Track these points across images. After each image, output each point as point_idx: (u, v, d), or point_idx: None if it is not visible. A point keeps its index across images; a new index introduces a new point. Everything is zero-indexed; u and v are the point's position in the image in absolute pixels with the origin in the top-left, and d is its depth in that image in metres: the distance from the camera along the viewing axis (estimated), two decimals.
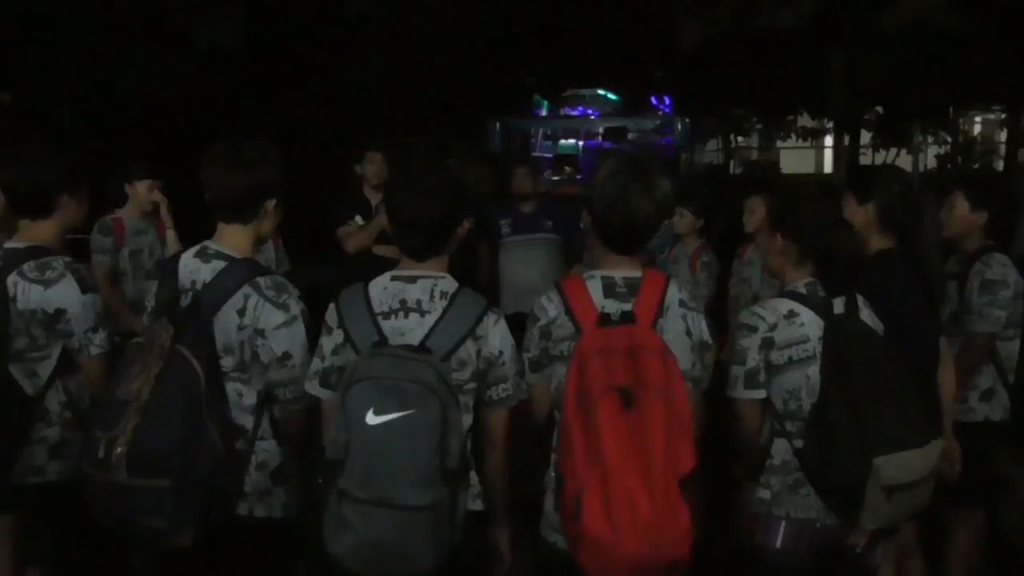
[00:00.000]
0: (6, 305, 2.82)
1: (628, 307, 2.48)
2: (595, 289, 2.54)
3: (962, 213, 3.73)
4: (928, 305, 3.27)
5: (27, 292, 2.83)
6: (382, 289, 2.49)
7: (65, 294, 2.85)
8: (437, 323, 2.43)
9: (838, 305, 2.71)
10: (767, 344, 2.68)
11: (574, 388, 2.32)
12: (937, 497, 2.72)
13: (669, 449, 2.23)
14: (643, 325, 2.44)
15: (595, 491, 2.20)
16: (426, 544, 2.22)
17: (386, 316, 2.45)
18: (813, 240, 2.75)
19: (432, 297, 2.47)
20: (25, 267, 2.85)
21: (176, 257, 2.69)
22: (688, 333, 2.54)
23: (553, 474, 2.49)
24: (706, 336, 2.58)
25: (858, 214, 3.27)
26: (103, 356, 2.92)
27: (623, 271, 2.57)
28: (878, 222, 3.29)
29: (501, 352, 2.50)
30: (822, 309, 2.69)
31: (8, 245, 2.96)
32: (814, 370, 2.65)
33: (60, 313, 2.85)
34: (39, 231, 2.97)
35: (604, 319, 2.43)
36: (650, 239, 2.62)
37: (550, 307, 2.56)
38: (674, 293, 2.54)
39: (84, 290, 2.88)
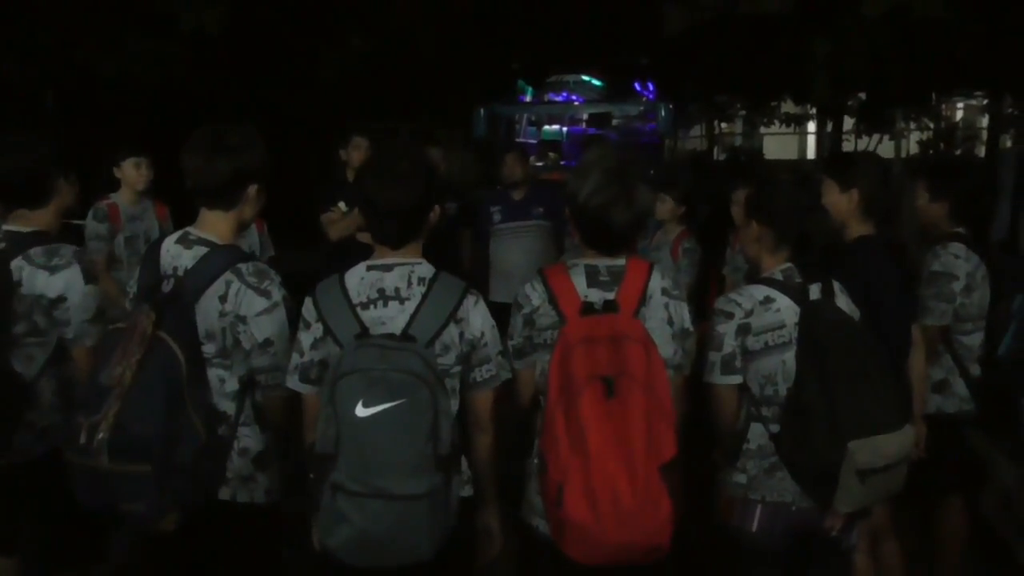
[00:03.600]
0: (10, 288, 2.80)
1: (611, 296, 2.50)
2: (578, 277, 2.56)
3: (922, 203, 3.68)
4: (905, 291, 3.29)
5: (32, 277, 2.82)
6: (359, 279, 2.47)
7: (70, 282, 2.84)
8: (418, 309, 2.42)
9: (814, 291, 2.73)
10: (743, 330, 2.70)
11: (557, 376, 2.34)
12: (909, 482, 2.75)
13: (650, 437, 2.26)
14: (626, 313, 2.46)
15: (577, 478, 2.23)
16: (424, 532, 2.22)
17: (365, 306, 2.43)
18: (788, 225, 2.77)
19: (410, 284, 2.45)
20: (32, 252, 2.84)
21: (158, 243, 2.68)
22: (670, 321, 2.56)
23: (536, 460, 2.51)
24: (687, 324, 2.60)
25: (841, 200, 3.28)
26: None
27: (606, 259, 2.59)
28: (861, 208, 3.29)
29: (483, 333, 2.50)
30: (798, 295, 2.71)
31: (8, 228, 2.92)
32: (790, 356, 2.68)
33: (60, 300, 2.83)
34: (38, 217, 2.95)
35: (587, 308, 2.45)
36: (631, 240, 2.64)
37: (534, 295, 2.58)
38: (657, 281, 2.56)
39: (88, 280, 2.88)
